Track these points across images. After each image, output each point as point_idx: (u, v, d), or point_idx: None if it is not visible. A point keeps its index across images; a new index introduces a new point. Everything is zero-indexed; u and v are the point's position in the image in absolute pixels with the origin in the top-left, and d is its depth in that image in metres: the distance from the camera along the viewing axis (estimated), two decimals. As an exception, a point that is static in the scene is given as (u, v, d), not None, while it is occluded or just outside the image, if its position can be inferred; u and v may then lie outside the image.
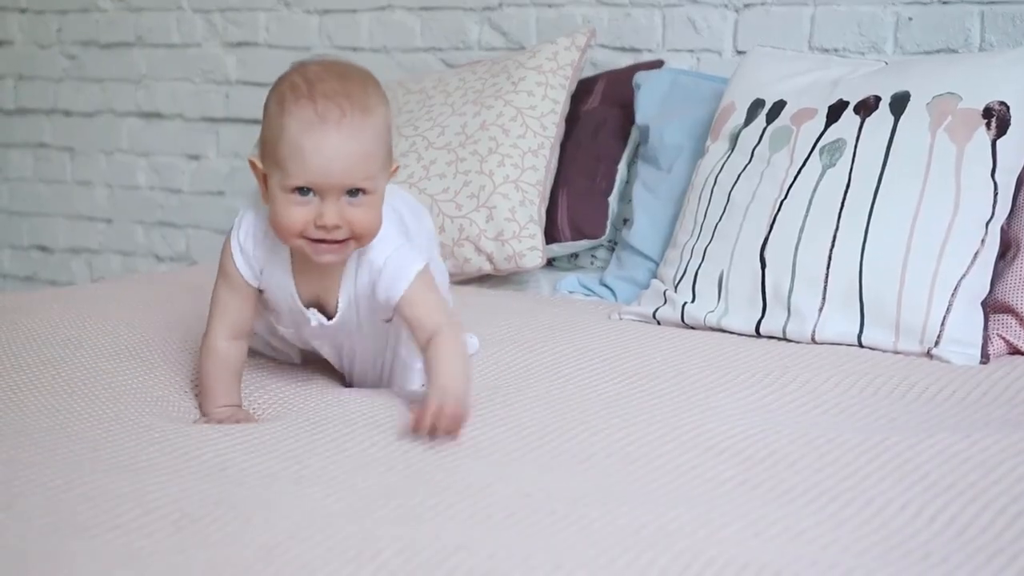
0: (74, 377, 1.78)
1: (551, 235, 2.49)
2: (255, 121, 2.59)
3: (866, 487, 1.31)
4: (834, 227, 1.98)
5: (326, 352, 1.78)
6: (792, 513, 1.24)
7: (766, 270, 2.02)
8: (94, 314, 2.06)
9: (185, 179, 3.42)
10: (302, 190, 1.52)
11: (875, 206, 1.97)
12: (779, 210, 2.04)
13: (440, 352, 1.55)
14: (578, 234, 2.49)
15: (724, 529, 1.19)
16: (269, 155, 1.55)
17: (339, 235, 1.53)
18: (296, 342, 1.79)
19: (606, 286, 2.36)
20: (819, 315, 1.96)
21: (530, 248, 2.41)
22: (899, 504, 1.26)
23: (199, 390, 1.71)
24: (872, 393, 1.71)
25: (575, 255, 2.53)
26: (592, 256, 2.53)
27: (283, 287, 1.65)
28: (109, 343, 1.92)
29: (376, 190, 1.54)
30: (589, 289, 2.38)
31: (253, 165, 1.59)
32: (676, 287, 2.13)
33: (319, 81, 1.53)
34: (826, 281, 1.96)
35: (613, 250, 2.47)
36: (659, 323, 2.11)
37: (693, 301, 2.09)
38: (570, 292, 2.40)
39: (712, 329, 2.05)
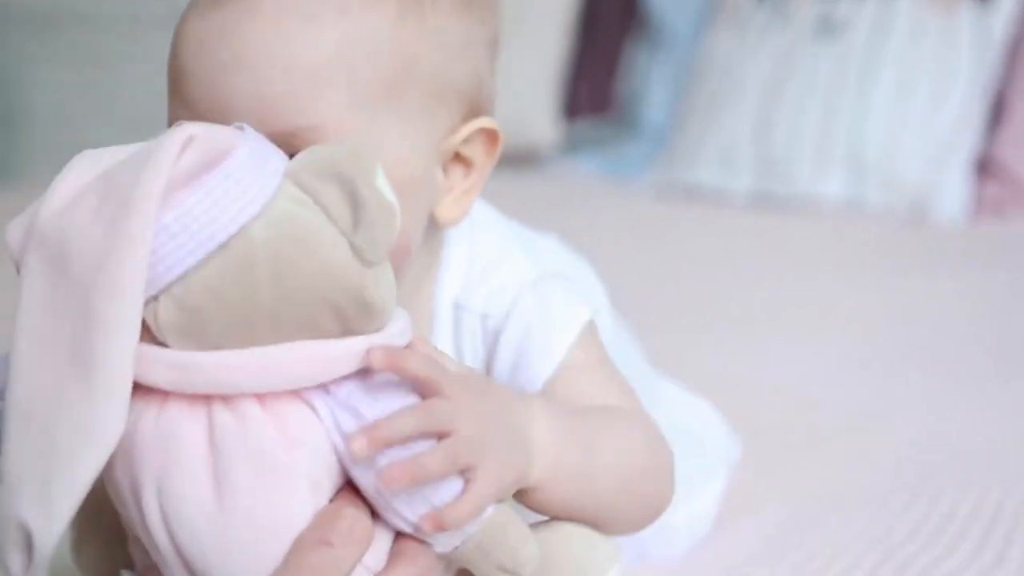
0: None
1: (566, 114, 2.59)
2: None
3: (837, 318, 1.47)
4: (834, 96, 2.07)
5: None
6: (773, 336, 1.41)
7: (769, 139, 2.12)
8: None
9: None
10: None
11: (871, 75, 2.05)
12: (781, 82, 2.13)
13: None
14: (592, 113, 2.59)
15: (720, 349, 1.34)
16: None
17: None
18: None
19: (619, 162, 2.46)
20: (819, 179, 2.06)
21: (545, 126, 2.51)
22: (862, 326, 1.42)
23: None
24: (865, 248, 1.82)
25: (589, 134, 2.63)
26: (606, 134, 2.63)
27: None
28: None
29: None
30: (603, 166, 2.48)
31: None
32: (685, 159, 2.23)
33: None
34: (826, 147, 2.06)
35: (625, 128, 2.56)
36: (668, 194, 2.22)
37: (700, 171, 2.19)
38: (586, 169, 2.50)
39: (719, 197, 2.15)
